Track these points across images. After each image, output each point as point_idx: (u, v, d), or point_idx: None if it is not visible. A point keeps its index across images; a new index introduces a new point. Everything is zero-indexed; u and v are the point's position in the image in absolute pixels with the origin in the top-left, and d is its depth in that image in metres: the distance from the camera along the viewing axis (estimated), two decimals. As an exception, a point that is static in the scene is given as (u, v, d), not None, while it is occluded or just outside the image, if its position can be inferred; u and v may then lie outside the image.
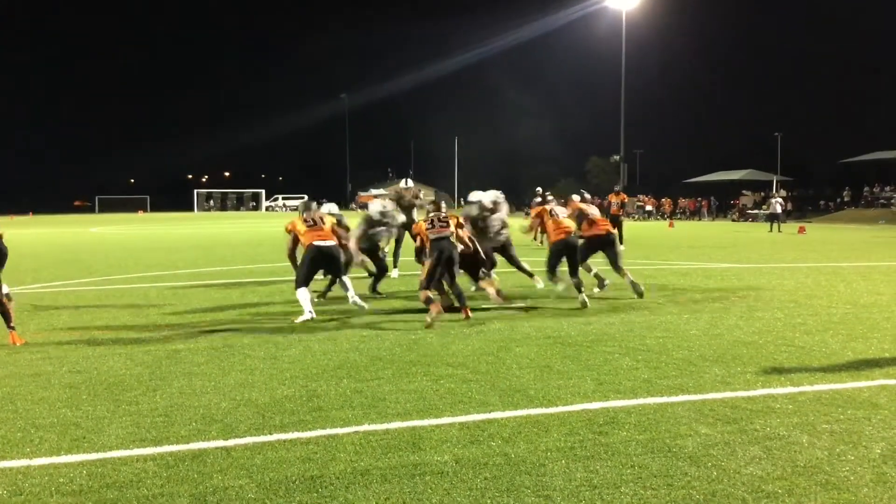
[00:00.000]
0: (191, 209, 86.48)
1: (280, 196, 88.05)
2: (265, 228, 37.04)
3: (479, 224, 11.08)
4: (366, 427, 4.69)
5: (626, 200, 23.16)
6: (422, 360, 6.55)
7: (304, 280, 9.17)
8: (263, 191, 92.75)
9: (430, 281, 9.11)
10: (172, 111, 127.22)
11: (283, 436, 4.55)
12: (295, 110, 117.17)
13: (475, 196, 11.21)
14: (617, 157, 63.88)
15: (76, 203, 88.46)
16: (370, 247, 11.06)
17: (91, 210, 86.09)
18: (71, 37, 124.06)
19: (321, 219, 9.65)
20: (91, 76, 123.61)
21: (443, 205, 10.04)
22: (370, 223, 11.20)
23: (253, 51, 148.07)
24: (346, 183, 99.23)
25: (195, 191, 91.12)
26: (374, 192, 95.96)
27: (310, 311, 8.97)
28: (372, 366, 6.38)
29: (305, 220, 9.63)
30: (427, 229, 9.53)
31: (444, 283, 9.43)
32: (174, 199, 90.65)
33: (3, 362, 6.72)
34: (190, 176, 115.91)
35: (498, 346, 7.19)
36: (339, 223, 10.24)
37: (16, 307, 7.98)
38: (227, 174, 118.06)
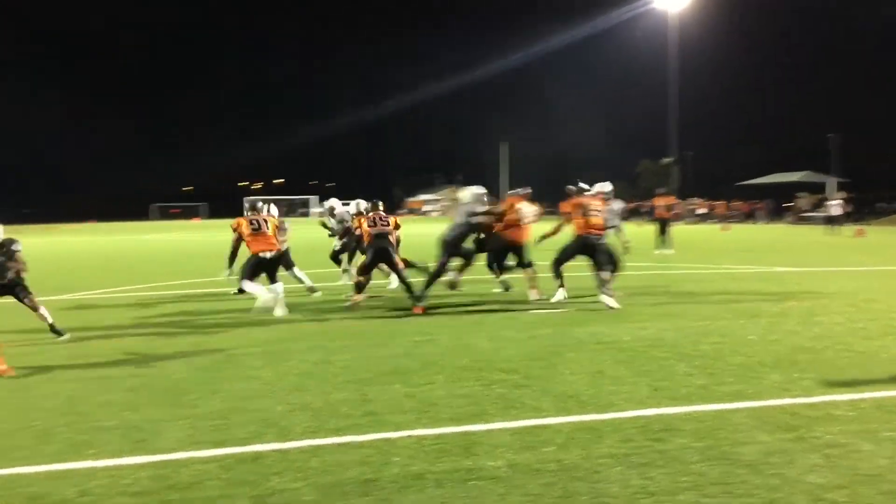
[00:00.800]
0: (241, 216, 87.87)
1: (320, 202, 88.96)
2: (314, 234, 37.47)
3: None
4: (419, 431, 4.72)
5: (673, 203, 22.81)
6: (473, 365, 6.56)
7: (249, 277, 9.81)
8: (316, 197, 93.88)
9: (368, 271, 10.30)
10: (225, 117, 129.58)
11: (337, 439, 4.61)
12: (347, 115, 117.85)
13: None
14: (668, 160, 63.14)
15: (171, 210, 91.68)
16: (459, 238, 10.77)
17: (170, 216, 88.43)
18: (126, 41, 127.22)
19: (265, 221, 10.06)
20: (145, 80, 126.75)
21: (380, 205, 11.01)
22: (468, 212, 10.84)
23: (303, 56, 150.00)
24: (393, 188, 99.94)
25: (244, 198, 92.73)
26: (423, 197, 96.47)
27: (265, 293, 9.69)
28: (424, 370, 6.41)
29: (251, 222, 9.97)
30: (369, 227, 10.31)
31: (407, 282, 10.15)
32: (228, 206, 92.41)
33: (67, 366, 6.93)
34: (245, 183, 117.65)
35: (549, 351, 7.16)
36: (280, 228, 10.75)
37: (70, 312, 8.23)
38: (278, 181, 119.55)
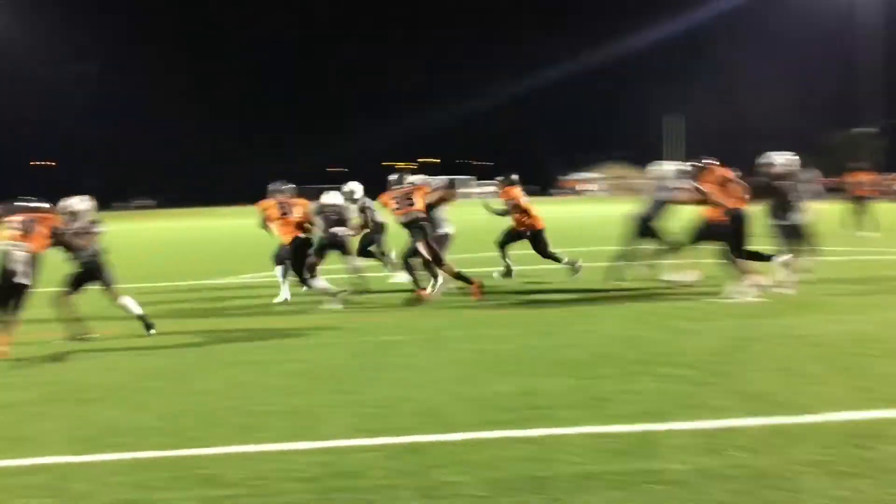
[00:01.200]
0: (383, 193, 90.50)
1: (476, 181, 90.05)
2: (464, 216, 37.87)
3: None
4: (591, 429, 4.70)
5: (872, 179, 21.08)
6: (647, 359, 6.44)
7: (306, 274, 9.93)
8: (473, 177, 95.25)
9: (437, 258, 9.97)
10: (372, 96, 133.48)
11: (502, 433, 4.68)
12: (500, 91, 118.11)
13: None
14: (867, 130, 58.96)
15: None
16: (652, 218, 10.75)
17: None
18: (274, 25, 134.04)
19: (290, 208, 10.14)
20: (290, 61, 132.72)
21: (406, 179, 10.50)
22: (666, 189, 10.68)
23: (451, 30, 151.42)
24: (547, 167, 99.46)
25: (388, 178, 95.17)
26: (579, 175, 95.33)
27: (335, 301, 9.79)
28: (593, 363, 6.38)
29: (280, 206, 10.10)
30: (395, 210, 10.03)
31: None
32: (378, 187, 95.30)
33: (227, 351, 7.46)
34: (392, 163, 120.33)
35: (733, 344, 6.91)
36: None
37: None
38: (430, 160, 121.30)
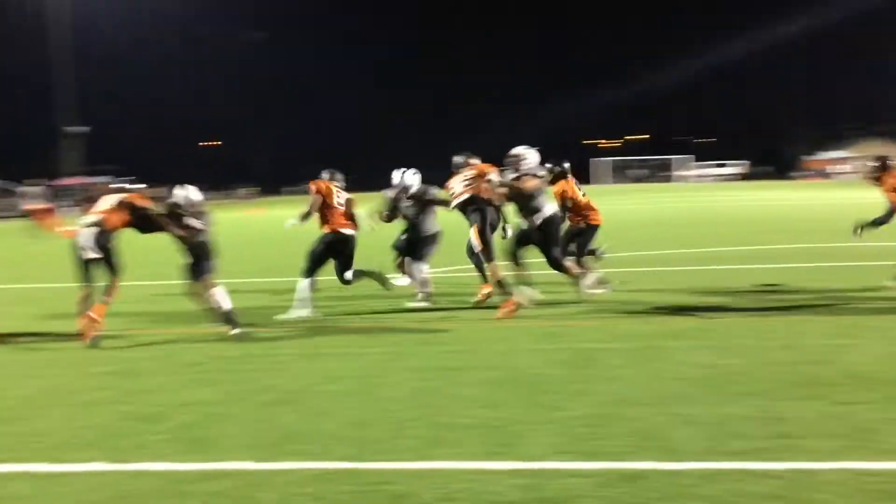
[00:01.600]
0: (586, 181, 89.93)
1: (695, 164, 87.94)
2: (682, 204, 37.06)
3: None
4: (852, 464, 4.48)
5: None
6: (922, 382, 6.05)
7: (312, 270, 9.86)
8: (690, 157, 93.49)
9: (490, 252, 9.90)
10: (571, 63, 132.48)
11: (740, 464, 4.54)
12: (725, 51, 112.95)
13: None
14: None
15: None
16: None
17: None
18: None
19: (342, 197, 10.06)
20: (485, 32, 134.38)
21: (472, 160, 10.19)
22: None
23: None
24: (790, 143, 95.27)
25: (590, 159, 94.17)
26: (828, 155, 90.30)
27: (307, 309, 9.73)
28: (851, 385, 6.06)
29: (338, 194, 10.02)
30: (455, 195, 9.91)
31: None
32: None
33: (413, 355, 7.72)
34: (594, 140, 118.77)
35: None
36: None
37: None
38: (625, 137, 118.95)
